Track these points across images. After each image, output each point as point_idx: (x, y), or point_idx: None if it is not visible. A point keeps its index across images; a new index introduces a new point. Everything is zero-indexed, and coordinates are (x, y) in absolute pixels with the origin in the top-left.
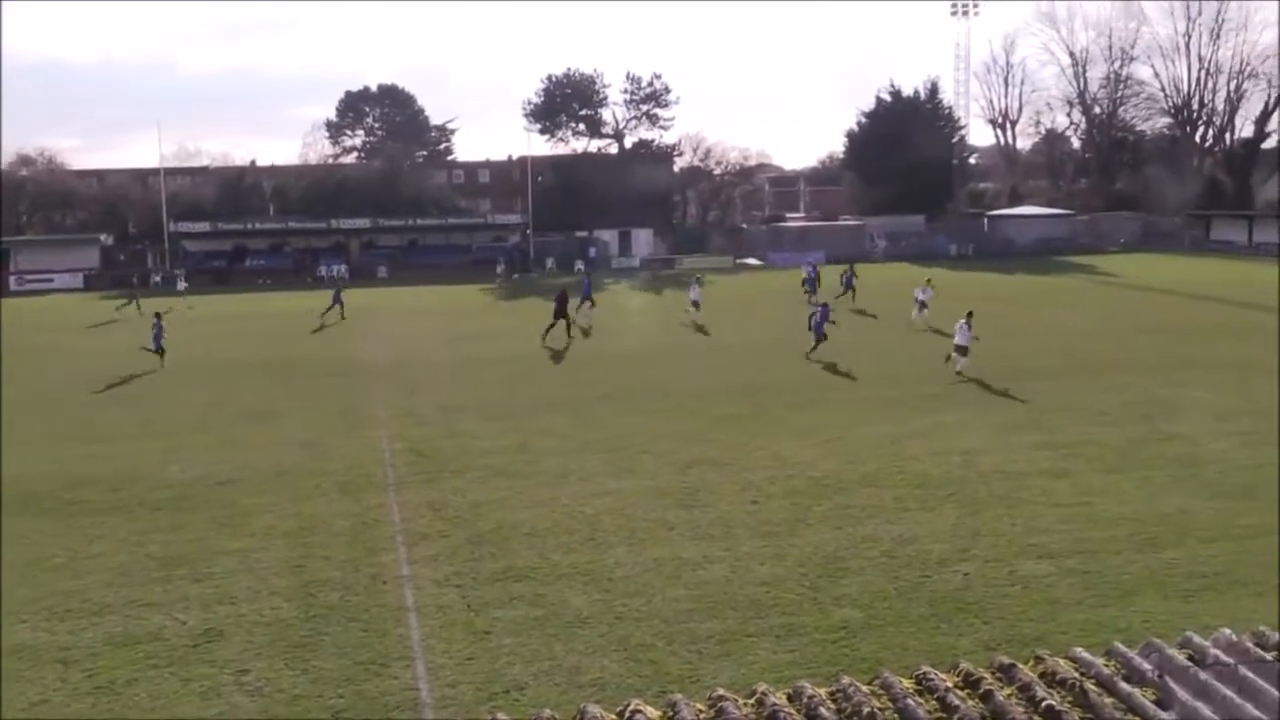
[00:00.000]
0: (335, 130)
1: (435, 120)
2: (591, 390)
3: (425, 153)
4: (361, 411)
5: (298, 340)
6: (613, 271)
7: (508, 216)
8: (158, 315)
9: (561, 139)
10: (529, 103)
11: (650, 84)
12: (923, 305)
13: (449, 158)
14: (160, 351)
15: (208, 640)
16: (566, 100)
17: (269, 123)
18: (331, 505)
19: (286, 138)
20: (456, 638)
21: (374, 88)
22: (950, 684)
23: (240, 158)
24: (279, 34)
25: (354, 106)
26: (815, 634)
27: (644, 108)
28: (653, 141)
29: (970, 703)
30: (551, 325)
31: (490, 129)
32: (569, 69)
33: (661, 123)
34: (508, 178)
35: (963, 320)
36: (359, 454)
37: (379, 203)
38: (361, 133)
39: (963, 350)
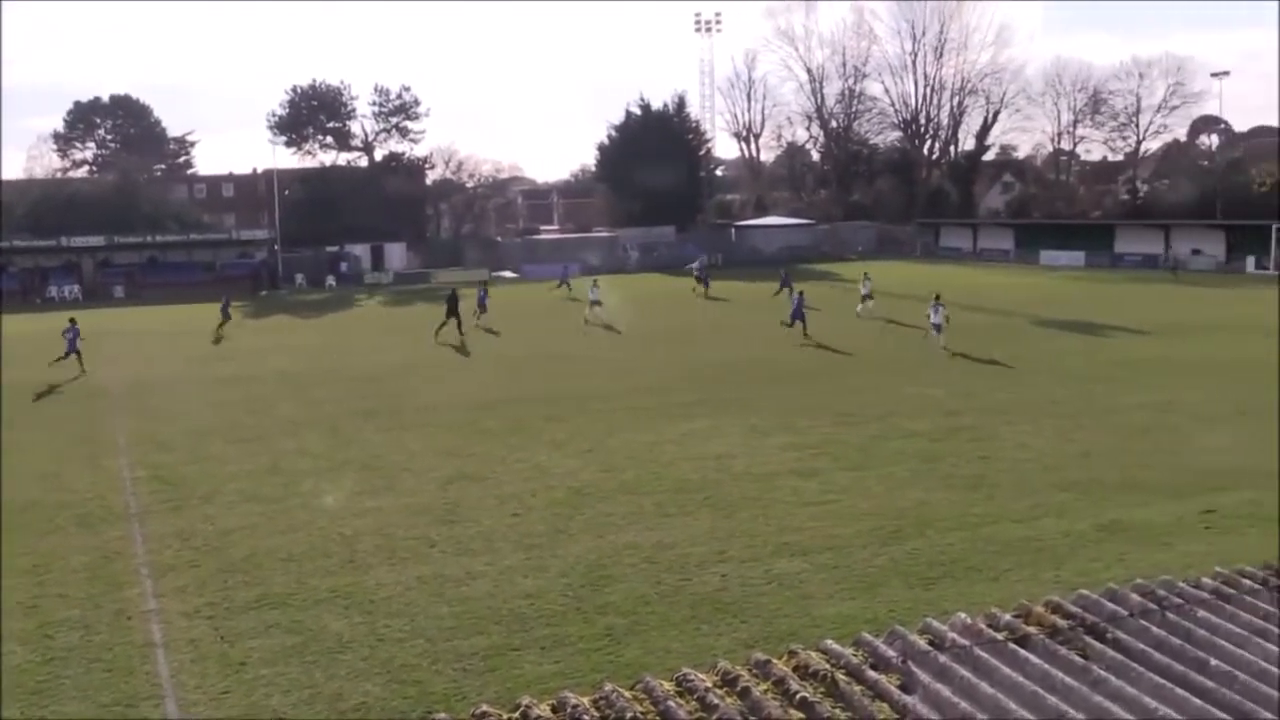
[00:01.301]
0: (64, 143)
1: (173, 132)
2: (346, 408)
3: (163, 166)
4: (99, 439)
5: (24, 366)
6: (365, 286)
7: (254, 231)
8: (72, 320)
9: (309, 152)
10: (273, 115)
11: (399, 96)
12: (866, 298)
13: (189, 171)
14: (76, 354)
15: None
16: (313, 112)
17: None
18: (69, 540)
19: (9, 150)
20: (210, 671)
21: (106, 98)
22: (710, 684)
23: None
24: None
25: (84, 118)
26: (580, 643)
27: (393, 120)
28: (403, 154)
29: (729, 700)
30: (443, 323)
31: (233, 142)
32: (315, 80)
33: (412, 135)
34: (253, 191)
35: (933, 303)
36: (98, 484)
37: (114, 219)
38: (93, 145)
39: (939, 328)
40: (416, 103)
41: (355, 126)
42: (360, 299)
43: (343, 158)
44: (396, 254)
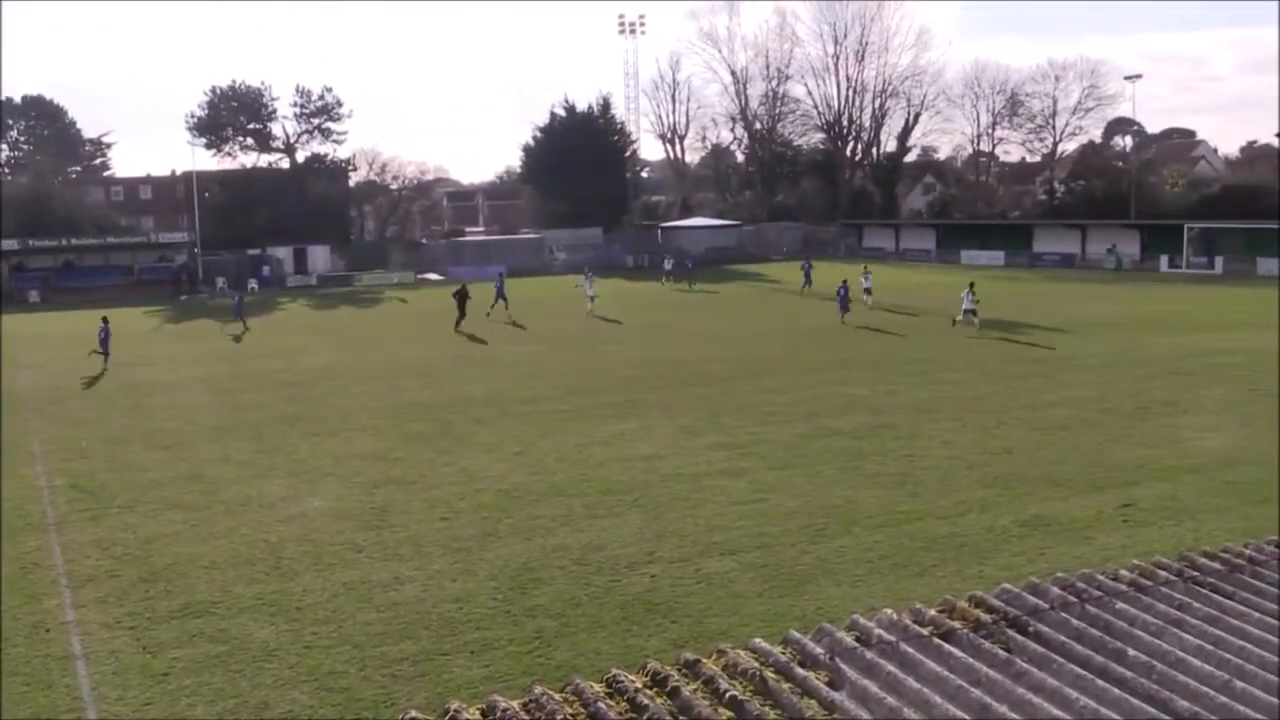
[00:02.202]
0: None
1: (89, 134)
2: (270, 413)
3: (79, 168)
4: (15, 447)
5: None
6: (288, 290)
7: (173, 234)
8: (104, 320)
9: (229, 153)
10: (192, 116)
11: (321, 97)
12: (868, 291)
13: (106, 173)
14: (105, 353)
15: None
16: (233, 113)
17: None
18: None
19: None
20: (131, 683)
21: (18, 99)
22: (639, 684)
23: None
24: None
25: None
26: (509, 646)
27: (315, 121)
28: (326, 156)
29: (659, 701)
30: (460, 317)
31: (151, 143)
32: (235, 81)
33: (335, 137)
34: (172, 194)
35: (966, 290)
36: (14, 493)
37: (28, 222)
38: (5, 147)
39: (972, 314)
40: (339, 104)
41: (276, 128)
42: (283, 302)
43: (264, 159)
44: (320, 256)
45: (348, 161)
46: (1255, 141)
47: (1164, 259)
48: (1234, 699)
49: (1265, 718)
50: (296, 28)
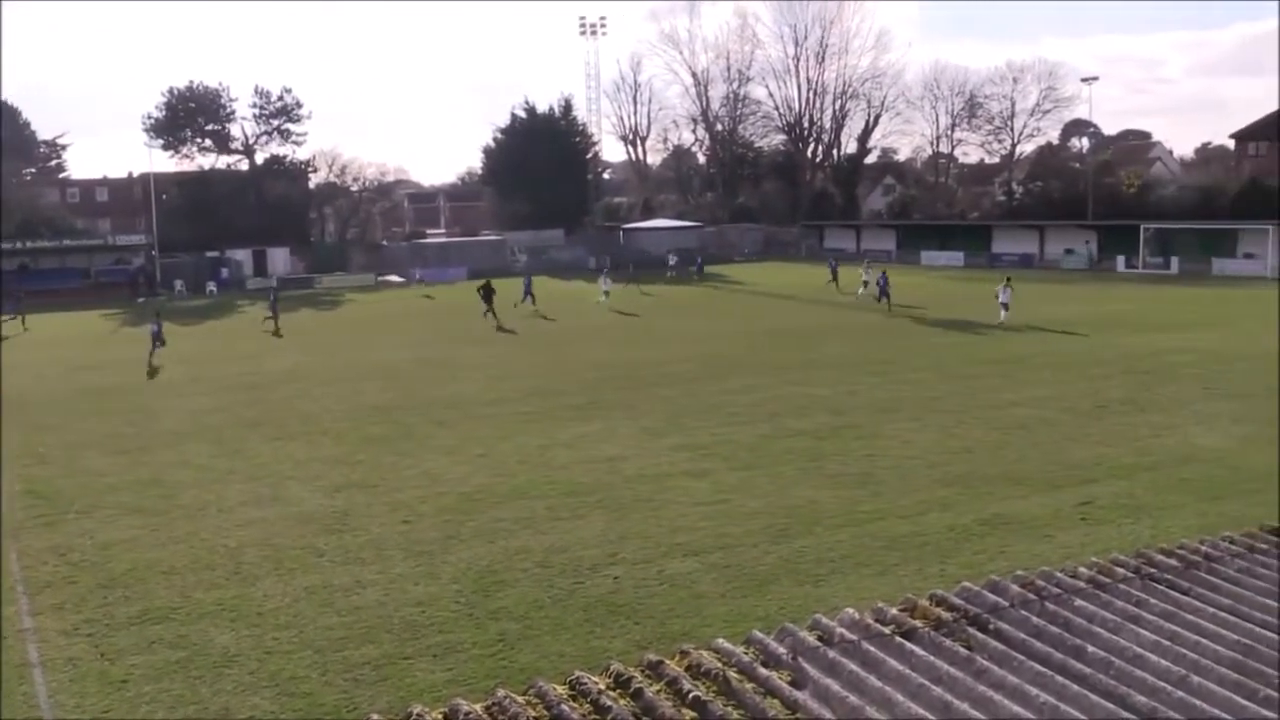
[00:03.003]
0: None
1: (43, 135)
2: (230, 417)
3: (33, 170)
4: None
5: None
6: (247, 292)
7: (130, 237)
8: (157, 314)
9: (187, 155)
10: (149, 117)
11: (280, 98)
12: (866, 283)
13: (61, 175)
14: (160, 343)
15: None
16: (191, 114)
17: None
18: None
19: None
20: (90, 690)
21: None
22: (602, 686)
23: None
24: None
25: None
26: (473, 650)
27: (275, 122)
28: (285, 157)
29: (622, 702)
30: (487, 310)
31: (108, 145)
32: (192, 81)
33: (294, 138)
34: (129, 196)
35: (1002, 285)
36: None
37: None
38: None
39: (1006, 306)
40: (298, 105)
41: (235, 129)
42: (243, 305)
43: (222, 161)
44: (280, 259)
45: (307, 163)
46: (1210, 143)
47: (1120, 259)
48: (1190, 694)
49: (1221, 712)
50: (255, 28)
